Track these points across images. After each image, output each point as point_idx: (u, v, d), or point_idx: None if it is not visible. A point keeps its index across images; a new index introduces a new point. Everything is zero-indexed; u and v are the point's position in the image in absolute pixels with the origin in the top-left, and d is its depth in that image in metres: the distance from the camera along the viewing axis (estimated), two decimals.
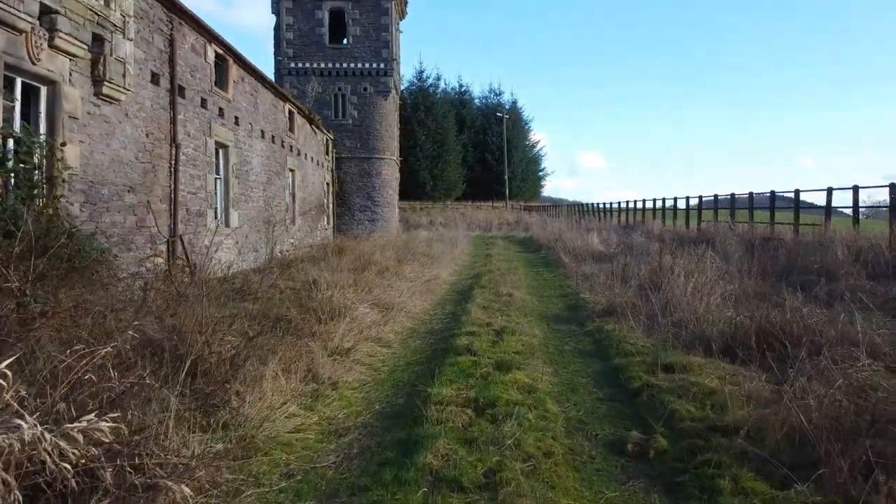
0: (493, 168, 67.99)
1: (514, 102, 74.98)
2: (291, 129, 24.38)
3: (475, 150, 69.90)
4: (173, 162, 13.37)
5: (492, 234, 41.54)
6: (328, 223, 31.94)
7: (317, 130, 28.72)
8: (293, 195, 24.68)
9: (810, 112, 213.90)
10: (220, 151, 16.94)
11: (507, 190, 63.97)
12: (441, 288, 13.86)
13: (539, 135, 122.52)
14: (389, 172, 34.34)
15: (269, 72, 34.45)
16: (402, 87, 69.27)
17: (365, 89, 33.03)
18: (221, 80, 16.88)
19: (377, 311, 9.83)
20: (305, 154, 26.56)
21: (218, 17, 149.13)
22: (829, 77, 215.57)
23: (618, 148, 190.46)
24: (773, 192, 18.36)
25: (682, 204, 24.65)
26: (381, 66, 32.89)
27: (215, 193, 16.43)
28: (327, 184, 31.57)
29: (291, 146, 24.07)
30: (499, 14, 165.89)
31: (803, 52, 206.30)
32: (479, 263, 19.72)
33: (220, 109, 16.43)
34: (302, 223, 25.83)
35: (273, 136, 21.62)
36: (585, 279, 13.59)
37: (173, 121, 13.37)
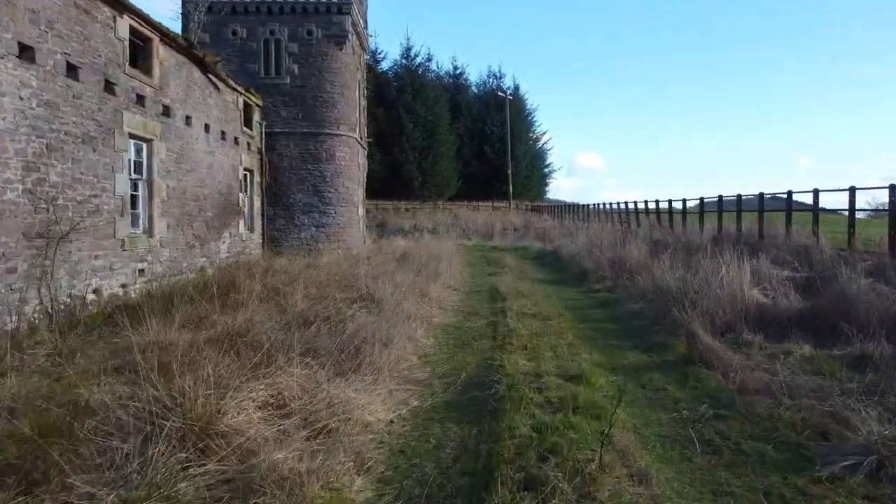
0: (493, 162, 57.53)
1: (517, 88, 64.41)
2: (146, 70, 13.82)
3: (472, 141, 59.44)
4: None
5: (494, 242, 30.97)
6: (251, 230, 21.24)
7: (220, 84, 18.03)
8: (149, 183, 14.01)
9: (808, 111, 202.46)
10: None
11: (511, 187, 53.38)
12: None
13: (543, 126, 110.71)
14: (348, 155, 23.65)
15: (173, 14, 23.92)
16: (387, 67, 58.63)
17: (309, 33, 22.37)
18: None
19: None
20: (190, 118, 15.94)
21: None
22: (828, 76, 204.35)
23: (616, 148, 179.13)
24: None
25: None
26: None
27: None
28: (247, 170, 20.87)
29: (139, 96, 13.42)
30: (493, 11, 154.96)
31: (801, 52, 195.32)
32: (479, 338, 8.80)
33: None
34: (176, 233, 15.18)
35: (72, 67, 11.00)
36: None
37: None
